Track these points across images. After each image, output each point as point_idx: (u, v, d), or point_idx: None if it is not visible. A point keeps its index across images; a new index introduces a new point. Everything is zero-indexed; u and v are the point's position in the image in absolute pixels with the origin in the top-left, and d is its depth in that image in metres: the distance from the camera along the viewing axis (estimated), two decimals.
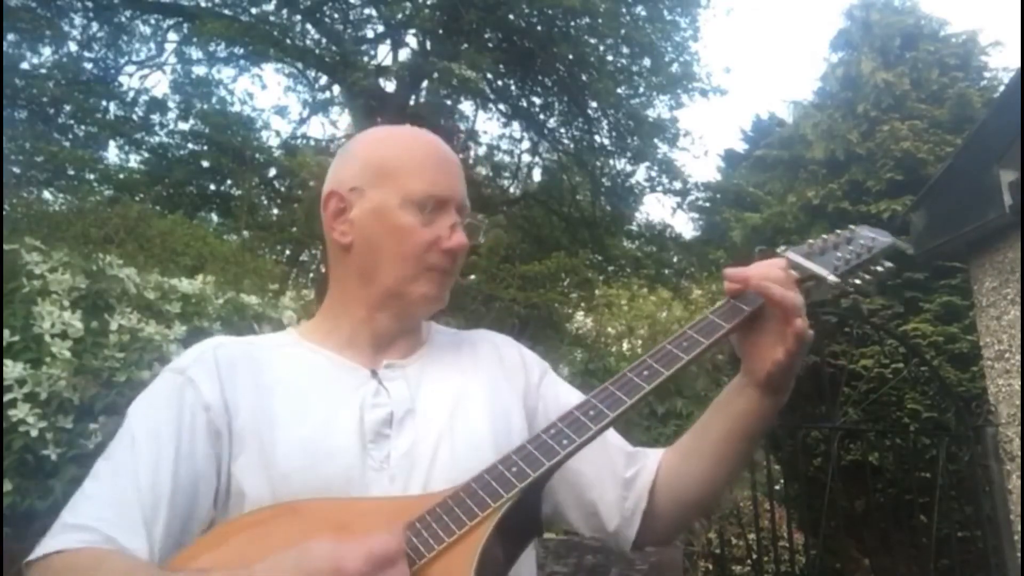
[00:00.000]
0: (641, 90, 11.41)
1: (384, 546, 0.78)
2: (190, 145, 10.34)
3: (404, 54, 10.84)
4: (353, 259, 1.06)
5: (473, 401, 1.04)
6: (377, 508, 0.89)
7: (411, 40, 10.92)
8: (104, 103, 10.28)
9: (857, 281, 1.04)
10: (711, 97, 11.18)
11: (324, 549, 0.77)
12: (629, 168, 11.86)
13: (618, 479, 1.07)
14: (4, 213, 5.43)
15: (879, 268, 1.06)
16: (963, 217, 4.67)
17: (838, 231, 1.07)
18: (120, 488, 0.90)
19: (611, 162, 11.77)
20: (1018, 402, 4.40)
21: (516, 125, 12.06)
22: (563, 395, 1.13)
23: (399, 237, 1.03)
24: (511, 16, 10.00)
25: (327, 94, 11.36)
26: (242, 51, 10.25)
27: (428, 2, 9.80)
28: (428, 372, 1.07)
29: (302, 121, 11.61)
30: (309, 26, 10.74)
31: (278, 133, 11.36)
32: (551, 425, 0.90)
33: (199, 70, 11.29)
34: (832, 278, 1.00)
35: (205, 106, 10.57)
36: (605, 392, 0.91)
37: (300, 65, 11.01)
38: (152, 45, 11.40)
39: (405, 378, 1.04)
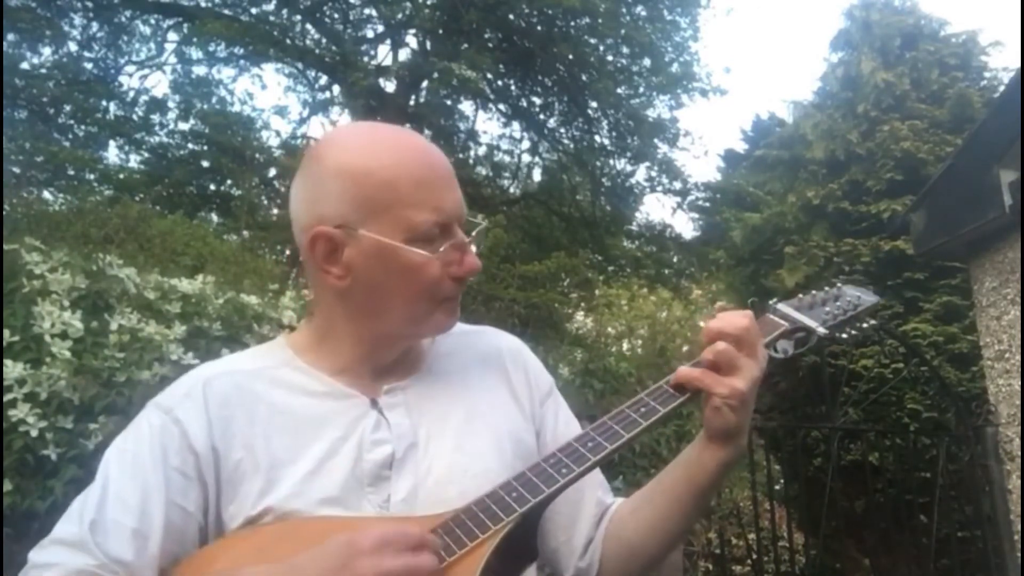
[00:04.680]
0: (641, 90, 11.41)
1: (396, 528, 0.79)
2: (190, 145, 10.34)
3: (404, 54, 10.86)
4: (353, 300, 0.96)
5: (479, 432, 0.99)
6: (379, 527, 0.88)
7: (411, 40, 10.94)
8: (104, 103, 10.27)
9: (844, 335, 1.11)
10: (711, 97, 11.21)
11: (338, 536, 0.79)
12: (629, 168, 11.88)
13: (585, 533, 1.06)
14: (4, 213, 5.43)
15: (864, 325, 1.13)
16: (963, 217, 4.67)
17: (826, 288, 1.14)
18: (100, 533, 0.86)
19: (611, 162, 11.78)
20: (1018, 402, 4.40)
21: (516, 125, 12.07)
22: (562, 421, 1.10)
23: (407, 278, 0.93)
24: (511, 16, 10.00)
25: (327, 94, 11.38)
26: (242, 51, 10.26)
27: (428, 2, 9.80)
28: (431, 394, 1.01)
29: (302, 121, 11.62)
30: (309, 26, 10.75)
31: (278, 133, 11.37)
32: (551, 454, 0.93)
33: (199, 70, 11.31)
34: (821, 330, 1.06)
35: (205, 106, 10.57)
36: (604, 426, 0.94)
37: (300, 65, 11.02)
38: (152, 45, 11.42)
39: (407, 404, 0.98)
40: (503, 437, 1.00)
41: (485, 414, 1.01)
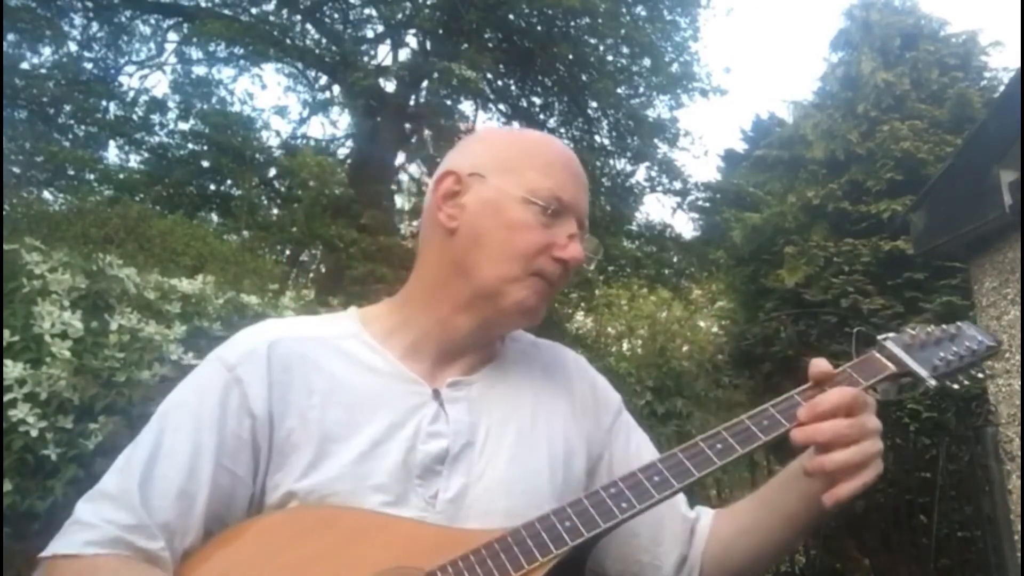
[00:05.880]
0: (641, 90, 11.39)
1: None
2: (190, 145, 10.30)
3: (404, 54, 10.85)
4: (453, 247, 0.97)
5: (537, 447, 0.96)
6: (420, 534, 0.86)
7: (411, 40, 10.93)
8: (104, 103, 10.24)
9: (955, 386, 0.99)
10: (711, 97, 11.16)
11: None
12: (629, 168, 11.84)
13: (676, 552, 1.01)
14: (4, 213, 5.44)
15: (979, 374, 1.00)
16: (963, 217, 4.67)
17: (944, 326, 1.02)
18: (146, 488, 0.86)
19: (611, 162, 11.76)
20: (1018, 402, 4.40)
21: (516, 125, 12.06)
22: (633, 443, 1.06)
23: (511, 232, 0.94)
24: (511, 16, 9.99)
25: (327, 94, 11.35)
26: (242, 51, 10.23)
27: (428, 2, 9.80)
28: (494, 395, 0.98)
29: (302, 121, 11.59)
30: (309, 26, 10.74)
31: (278, 133, 11.33)
32: (612, 483, 0.87)
33: (199, 70, 11.27)
34: (931, 381, 0.94)
35: (205, 106, 10.54)
36: (674, 459, 0.88)
37: (300, 65, 11.00)
38: (152, 45, 11.39)
39: (468, 399, 0.96)
40: (557, 458, 0.98)
41: (544, 430, 0.99)
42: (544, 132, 1.12)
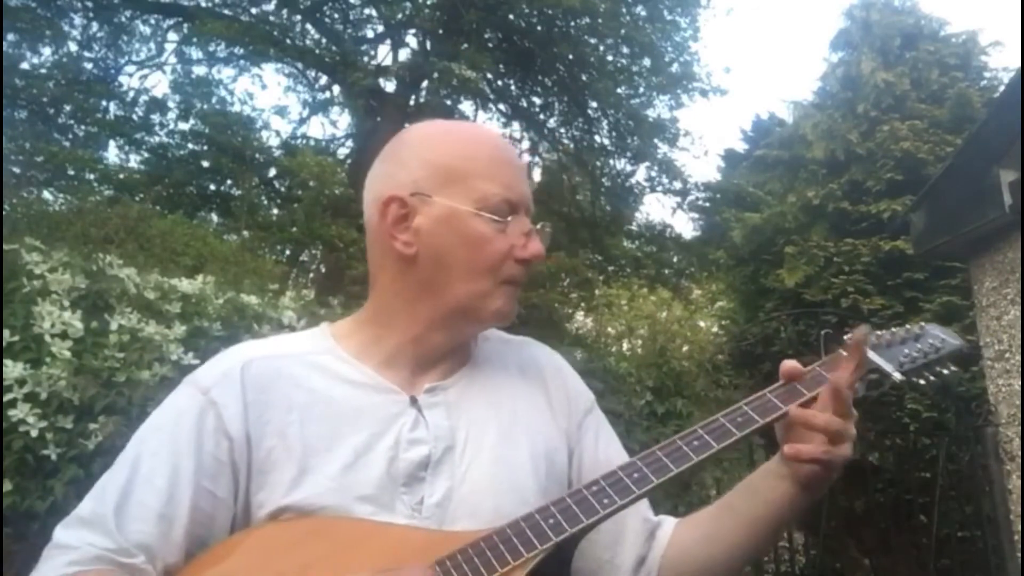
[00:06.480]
0: (641, 90, 11.39)
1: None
2: (190, 145, 10.31)
3: (404, 54, 10.85)
4: (417, 272, 0.96)
5: (518, 444, 0.97)
6: (411, 538, 0.87)
7: (411, 40, 10.93)
8: (104, 103, 10.25)
9: (921, 381, 1.03)
10: (711, 97, 11.17)
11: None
12: (629, 168, 11.85)
13: (634, 552, 1.02)
14: (4, 213, 5.43)
15: (944, 371, 1.04)
16: (963, 217, 4.67)
17: (908, 326, 1.07)
18: (121, 513, 0.86)
19: (611, 162, 11.77)
20: (1018, 402, 4.40)
21: (516, 125, 12.05)
22: (603, 441, 1.07)
23: (473, 248, 0.94)
24: (511, 16, 9.99)
25: (327, 94, 11.37)
26: (242, 51, 10.24)
27: (428, 2, 9.80)
28: (472, 397, 0.99)
29: (302, 121, 11.61)
30: (309, 26, 10.74)
31: (278, 133, 11.35)
32: (593, 482, 0.90)
33: (199, 70, 11.28)
34: (897, 375, 0.99)
35: (205, 106, 10.54)
36: (652, 456, 0.91)
37: (300, 65, 11.01)
38: (152, 45, 11.40)
39: (446, 404, 0.97)
40: (539, 453, 0.99)
41: (523, 427, 0.99)
42: (471, 120, 1.07)
